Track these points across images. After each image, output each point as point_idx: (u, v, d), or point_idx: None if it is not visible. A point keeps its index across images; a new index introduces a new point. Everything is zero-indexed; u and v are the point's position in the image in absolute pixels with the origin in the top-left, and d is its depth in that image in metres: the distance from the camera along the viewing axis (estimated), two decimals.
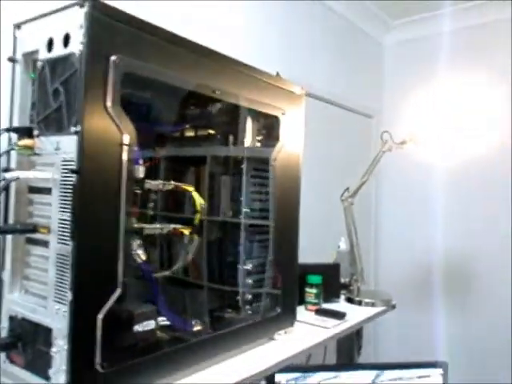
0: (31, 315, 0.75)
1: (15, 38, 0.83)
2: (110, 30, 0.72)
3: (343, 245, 1.71)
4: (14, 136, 0.81)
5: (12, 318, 0.78)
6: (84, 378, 0.70)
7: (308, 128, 1.20)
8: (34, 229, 0.76)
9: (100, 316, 0.71)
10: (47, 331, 0.72)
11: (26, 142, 0.78)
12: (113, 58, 0.71)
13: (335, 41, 2.26)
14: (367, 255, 2.40)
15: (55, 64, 0.74)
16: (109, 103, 0.71)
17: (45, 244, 0.76)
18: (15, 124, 0.82)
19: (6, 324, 0.79)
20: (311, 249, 1.47)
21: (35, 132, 0.77)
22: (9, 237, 0.81)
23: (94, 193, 0.71)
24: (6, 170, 0.80)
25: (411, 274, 2.40)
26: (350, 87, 2.36)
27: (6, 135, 0.82)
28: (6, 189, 0.79)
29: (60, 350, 0.69)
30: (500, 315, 2.15)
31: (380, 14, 2.46)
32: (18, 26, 0.82)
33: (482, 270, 2.22)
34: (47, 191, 0.76)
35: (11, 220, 0.81)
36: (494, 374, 2.14)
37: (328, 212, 1.94)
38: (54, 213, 0.73)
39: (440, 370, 1.53)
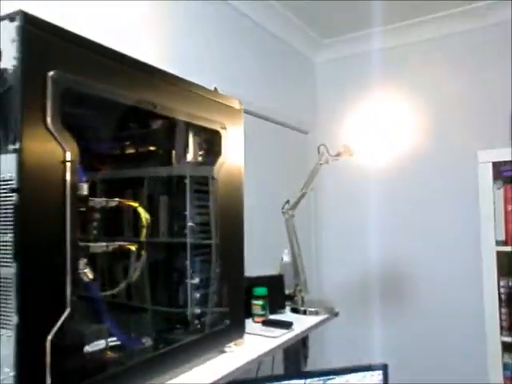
0: None
1: None
2: (44, 45, 0.72)
3: (286, 257, 1.76)
4: None
5: None
6: None
7: (246, 144, 1.24)
8: None
9: (49, 338, 0.69)
10: None
11: None
12: (50, 73, 0.71)
13: (268, 58, 2.35)
14: (309, 266, 2.47)
15: None
16: (49, 120, 0.71)
17: None
18: None
19: None
20: (255, 262, 1.50)
21: None
22: None
23: (36, 212, 0.69)
24: None
25: (352, 282, 2.51)
26: (285, 103, 2.45)
27: None
28: None
29: (6, 377, 0.66)
30: (434, 319, 2.30)
31: (311, 33, 2.60)
32: None
33: (418, 277, 2.36)
34: None
35: None
36: (428, 374, 2.28)
37: (269, 225, 2.00)
38: None
39: (380, 372, 1.61)
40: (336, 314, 1.62)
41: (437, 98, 2.34)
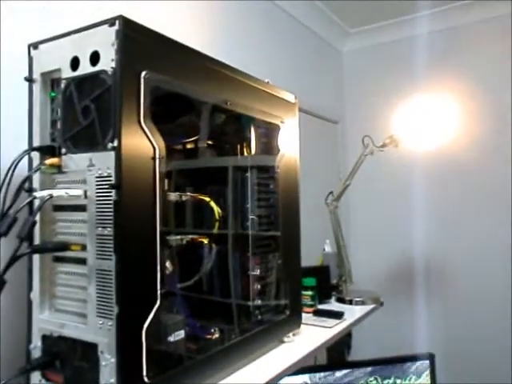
0: (68, 332, 0.75)
1: (31, 58, 0.83)
2: (138, 47, 0.75)
3: (328, 247, 1.78)
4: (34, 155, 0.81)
5: (46, 337, 0.77)
6: None
7: None
8: (66, 247, 0.76)
9: (145, 327, 0.72)
10: (89, 346, 0.72)
11: (53, 160, 0.78)
12: (143, 73, 0.74)
13: (296, 47, 2.33)
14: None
15: (82, 82, 0.75)
16: (142, 118, 0.73)
17: (76, 261, 0.77)
18: (35, 144, 0.82)
19: (38, 343, 0.78)
20: None
21: (62, 150, 0.77)
22: (35, 257, 0.80)
23: (132, 207, 0.72)
24: (30, 190, 0.80)
25: (391, 273, 2.51)
26: (314, 93, 2.44)
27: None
28: (32, 209, 0.78)
29: (108, 363, 0.69)
30: (476, 310, 2.29)
31: (338, 22, 2.58)
32: (34, 46, 0.82)
33: (461, 267, 2.35)
34: (78, 208, 0.76)
35: (36, 240, 0.80)
36: (471, 363, 2.28)
37: (304, 216, 2.01)
38: (88, 229, 0.74)
39: (427, 362, 1.62)
40: (381, 304, 1.64)
41: (483, 84, 2.30)
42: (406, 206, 2.44)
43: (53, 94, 0.81)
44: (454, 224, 2.37)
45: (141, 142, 0.74)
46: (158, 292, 0.76)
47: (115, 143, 0.70)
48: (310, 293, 1.47)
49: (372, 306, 1.57)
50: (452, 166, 2.33)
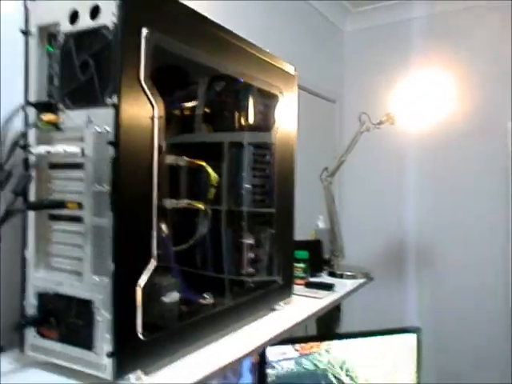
0: (63, 290, 0.75)
1: (27, 10, 0.81)
2: (141, 3, 0.73)
3: (321, 223, 1.79)
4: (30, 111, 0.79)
5: (41, 295, 0.77)
6: (128, 346, 0.72)
7: None
8: (62, 204, 0.76)
9: (139, 286, 0.73)
10: (85, 303, 0.72)
11: (50, 116, 0.76)
12: (144, 30, 0.72)
13: (297, 24, 2.30)
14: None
15: (81, 37, 0.74)
16: (142, 76, 0.72)
17: (72, 219, 0.76)
18: (31, 99, 0.80)
19: (34, 301, 0.78)
20: None
21: (60, 106, 0.76)
22: (30, 215, 0.80)
23: (130, 165, 0.72)
24: (25, 146, 0.79)
25: (380, 251, 2.54)
26: (313, 71, 2.41)
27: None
28: (28, 165, 0.77)
29: (103, 319, 0.70)
30: (463, 288, 2.34)
31: (341, 1, 2.55)
32: None
33: (450, 246, 2.38)
34: (75, 166, 0.75)
35: (32, 197, 0.79)
36: (456, 338, 2.34)
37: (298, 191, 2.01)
38: (85, 187, 0.73)
39: (414, 335, 1.66)
40: (372, 279, 1.66)
41: (476, 68, 2.30)
42: (399, 184, 2.45)
43: (50, 49, 0.79)
44: (446, 201, 2.39)
45: (140, 100, 0.73)
46: (154, 252, 0.76)
47: (114, 99, 0.69)
48: (302, 265, 1.49)
49: (362, 281, 1.59)
50: (445, 144, 2.34)
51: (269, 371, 1.43)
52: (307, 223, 1.82)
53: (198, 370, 0.81)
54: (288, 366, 1.48)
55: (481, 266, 2.28)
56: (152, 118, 0.75)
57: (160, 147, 0.77)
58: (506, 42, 2.21)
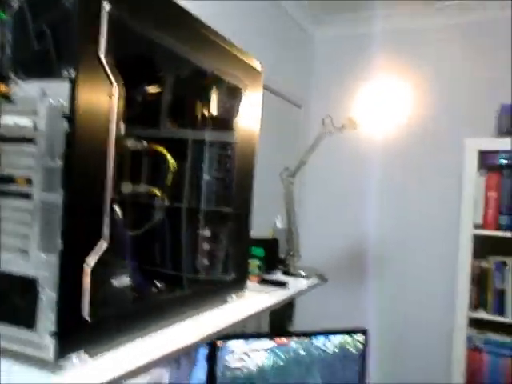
0: (8, 268, 0.72)
1: None
2: None
3: (279, 222, 1.81)
4: None
5: None
6: (72, 326, 0.70)
7: None
8: (10, 179, 0.73)
9: (87, 265, 0.71)
10: (30, 282, 0.70)
11: (0, 87, 0.74)
12: (106, 5, 0.71)
13: (268, 26, 2.33)
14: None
15: (37, 4, 0.72)
16: (101, 51, 0.71)
17: (20, 195, 0.73)
18: None
19: None
20: None
21: (12, 77, 0.73)
22: None
23: (85, 142, 0.70)
24: None
25: (336, 254, 2.59)
26: (281, 74, 2.45)
27: None
28: None
29: (48, 298, 0.68)
30: (412, 292, 2.42)
31: (313, 8, 2.60)
32: None
33: (402, 252, 2.46)
34: (26, 140, 0.73)
35: None
36: (402, 341, 2.42)
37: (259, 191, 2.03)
38: (36, 163, 0.71)
39: (362, 336, 1.70)
40: (326, 280, 1.69)
41: (433, 82, 2.41)
42: (360, 188, 2.52)
43: (2, 16, 0.77)
44: (403, 206, 2.47)
45: (98, 76, 0.71)
46: (105, 232, 0.75)
47: (71, 72, 0.67)
48: (257, 262, 1.50)
49: (316, 281, 1.62)
50: (405, 151, 2.43)
51: (238, 364, 1.44)
52: (267, 222, 1.83)
53: (142, 355, 0.79)
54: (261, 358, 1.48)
55: (432, 269, 2.37)
56: (110, 97, 0.74)
57: (118, 127, 0.76)
58: (451, 60, 2.34)
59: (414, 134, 2.39)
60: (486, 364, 2.13)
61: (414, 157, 2.45)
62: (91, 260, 0.72)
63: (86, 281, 0.71)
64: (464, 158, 2.14)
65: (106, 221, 0.75)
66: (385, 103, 1.81)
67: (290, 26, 2.57)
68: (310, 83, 2.81)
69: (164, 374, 1.29)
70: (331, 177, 2.65)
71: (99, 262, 0.74)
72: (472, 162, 2.13)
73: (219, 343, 1.45)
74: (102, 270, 0.78)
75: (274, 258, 1.65)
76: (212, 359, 1.37)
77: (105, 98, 0.73)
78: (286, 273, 1.65)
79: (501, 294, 2.10)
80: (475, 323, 2.18)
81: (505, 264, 2.11)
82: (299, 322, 2.12)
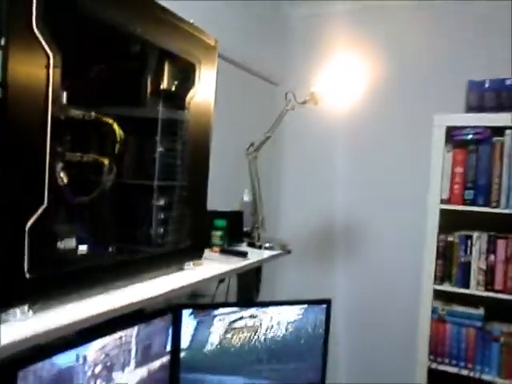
0: None
1: None
2: None
3: (246, 196, 1.86)
4: None
5: None
6: (14, 282, 0.75)
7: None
8: None
9: (28, 225, 0.76)
10: None
11: None
12: None
13: (244, 6, 2.34)
14: (268, 210, 2.62)
15: None
16: (34, 20, 0.74)
17: None
18: None
19: None
20: (216, 199, 1.59)
21: None
22: None
23: (18, 109, 0.74)
24: None
25: (308, 229, 2.66)
26: (257, 53, 2.47)
27: None
28: None
29: None
30: (380, 267, 2.50)
31: None
32: None
33: (371, 227, 2.52)
34: None
35: None
36: (368, 313, 2.51)
37: (231, 166, 2.07)
38: None
39: (324, 306, 1.77)
40: (289, 252, 1.75)
41: (403, 57, 2.44)
42: (331, 165, 2.58)
43: None
44: (373, 182, 2.53)
45: (33, 46, 0.75)
46: (46, 194, 0.79)
47: (2, 41, 0.71)
48: (219, 233, 1.55)
49: (278, 252, 1.68)
50: (373, 128, 2.48)
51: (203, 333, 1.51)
52: (237, 196, 1.89)
53: (84, 312, 0.85)
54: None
55: (401, 244, 2.44)
56: (47, 67, 0.78)
57: (56, 97, 0.80)
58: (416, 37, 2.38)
59: (383, 111, 2.44)
60: (449, 333, 2.22)
61: (384, 134, 2.48)
62: (31, 222, 0.77)
63: (27, 240, 0.76)
64: (432, 133, 2.18)
65: (46, 184, 0.79)
66: (354, 79, 1.85)
67: (266, 5, 2.58)
68: (286, 62, 2.83)
69: None
70: (306, 154, 2.70)
71: (41, 224, 0.79)
72: (440, 138, 2.17)
73: (184, 311, 1.51)
74: (45, 231, 0.83)
75: (238, 230, 1.71)
76: (175, 324, 1.43)
77: (40, 67, 0.77)
78: (251, 244, 1.71)
79: (465, 267, 2.17)
80: (441, 295, 2.26)
81: (469, 237, 2.17)
82: (269, 297, 2.19)
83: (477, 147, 2.14)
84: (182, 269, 1.24)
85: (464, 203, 2.16)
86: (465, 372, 2.17)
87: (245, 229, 1.79)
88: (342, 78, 1.82)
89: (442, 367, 2.22)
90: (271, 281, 2.58)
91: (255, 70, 2.48)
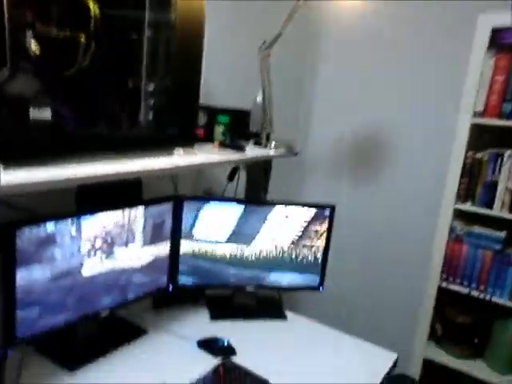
0: None
1: None
2: None
3: (259, 97, 1.83)
4: None
5: None
6: None
7: None
8: None
9: None
10: None
11: None
12: None
13: None
14: (297, 130, 2.59)
15: None
16: None
17: None
18: None
19: None
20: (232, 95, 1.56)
21: None
22: None
23: None
24: None
25: (335, 144, 2.61)
26: None
27: None
28: None
29: None
30: (402, 185, 2.42)
31: None
32: None
33: (397, 142, 2.42)
34: None
35: None
36: (381, 232, 2.49)
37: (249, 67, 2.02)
38: None
39: (328, 210, 1.77)
40: (296, 154, 1.74)
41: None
42: (368, 73, 2.45)
43: None
44: (404, 92, 2.38)
45: None
46: (8, 60, 0.83)
47: None
48: (221, 129, 1.57)
49: (281, 151, 1.67)
50: (408, 33, 2.28)
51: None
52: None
53: (56, 175, 0.92)
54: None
55: (427, 159, 2.32)
56: None
57: None
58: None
59: (421, 15, 2.21)
60: (465, 254, 2.17)
61: (420, 38, 2.26)
62: None
63: None
64: (475, 36, 1.97)
65: (7, 44, 0.83)
66: None
67: None
68: None
69: None
70: (342, 67, 2.55)
71: (9, 88, 0.84)
72: (482, 41, 1.95)
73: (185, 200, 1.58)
74: (13, 96, 0.88)
75: (245, 129, 1.70)
76: (176, 211, 1.52)
77: None
78: (257, 143, 1.72)
79: (491, 187, 2.05)
80: (463, 216, 2.18)
81: (501, 155, 2.03)
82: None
83: None
84: (171, 154, 1.28)
85: (500, 117, 1.99)
86: (475, 293, 2.14)
87: (254, 130, 1.78)
88: None
89: (452, 286, 2.20)
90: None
91: None
